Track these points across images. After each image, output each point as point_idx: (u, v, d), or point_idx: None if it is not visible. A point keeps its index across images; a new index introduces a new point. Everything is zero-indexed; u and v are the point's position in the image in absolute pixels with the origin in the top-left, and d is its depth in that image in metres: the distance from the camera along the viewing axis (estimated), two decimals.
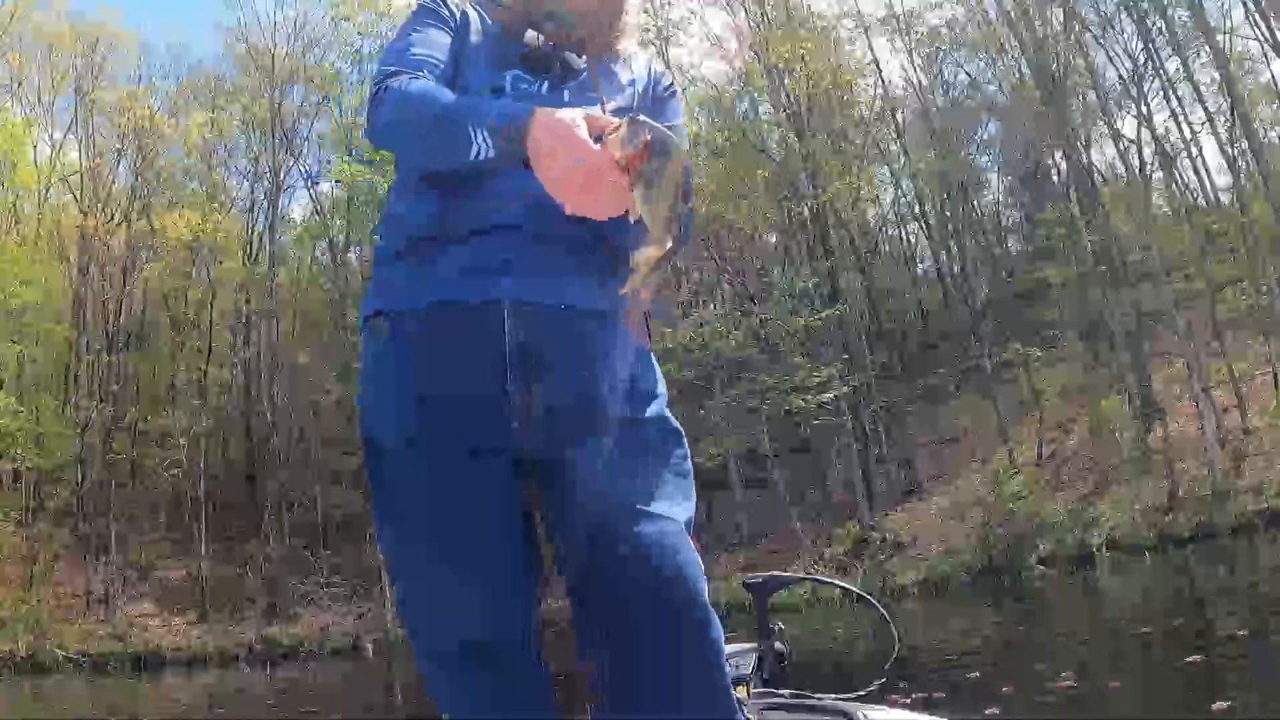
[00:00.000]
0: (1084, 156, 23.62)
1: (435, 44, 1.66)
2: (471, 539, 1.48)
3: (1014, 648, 7.32)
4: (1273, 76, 24.45)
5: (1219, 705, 3.80)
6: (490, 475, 1.49)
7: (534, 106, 1.36)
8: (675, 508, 1.51)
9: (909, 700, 4.57)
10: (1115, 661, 5.41)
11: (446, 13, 1.72)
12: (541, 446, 1.50)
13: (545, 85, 1.64)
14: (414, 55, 1.62)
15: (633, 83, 1.74)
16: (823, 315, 22.13)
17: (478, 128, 1.37)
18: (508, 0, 1.74)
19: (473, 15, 1.74)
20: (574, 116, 1.32)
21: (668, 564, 1.44)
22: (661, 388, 1.61)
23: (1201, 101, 22.07)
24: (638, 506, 1.47)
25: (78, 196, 30.56)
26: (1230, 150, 21.91)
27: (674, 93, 1.83)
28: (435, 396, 1.49)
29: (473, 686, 1.51)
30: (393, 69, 1.58)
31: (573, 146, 1.29)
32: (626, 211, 1.33)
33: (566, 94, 1.64)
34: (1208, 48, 21.86)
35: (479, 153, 1.37)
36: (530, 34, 1.65)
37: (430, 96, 1.48)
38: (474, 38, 1.70)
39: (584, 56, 1.68)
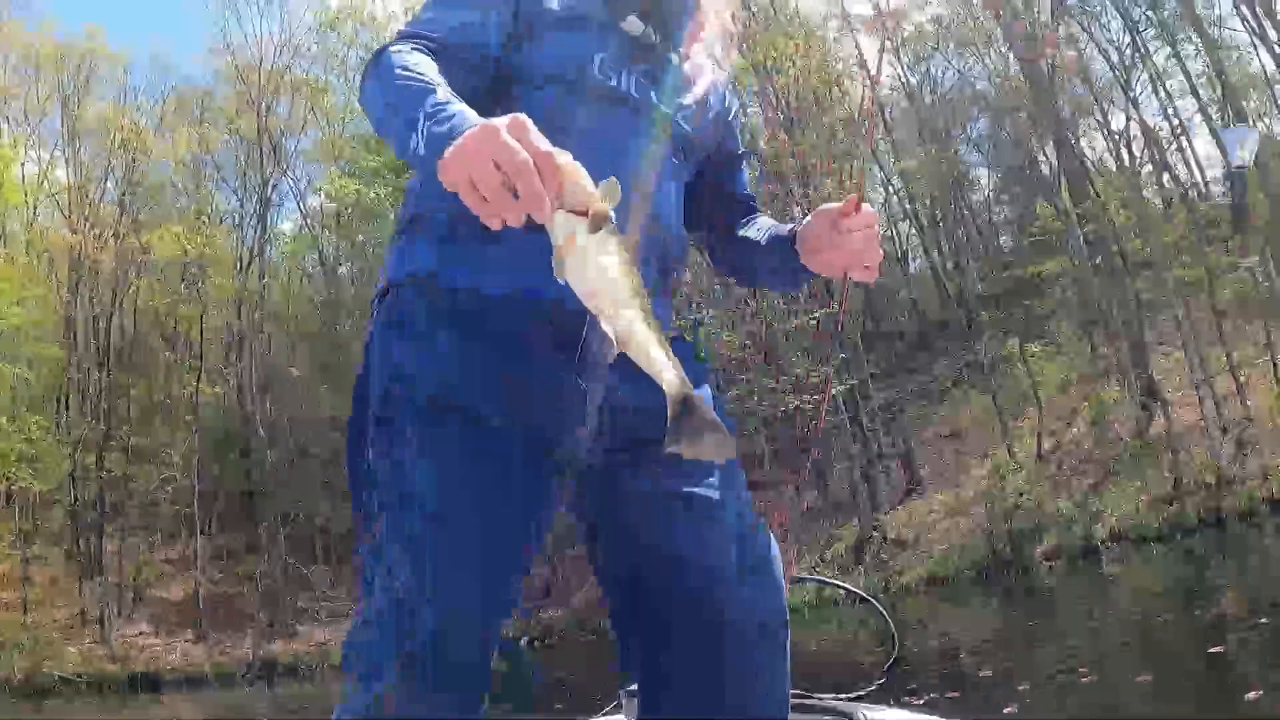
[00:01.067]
0: (1075, 147, 23.53)
1: (475, 6, 1.49)
2: (508, 526, 1.37)
3: (1027, 643, 7.15)
4: (1261, 66, 24.37)
5: (1251, 696, 3.64)
6: (545, 468, 1.40)
7: (477, 119, 1.16)
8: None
9: (921, 701, 4.41)
10: (1137, 654, 5.24)
11: None
12: (604, 449, 1.46)
13: (634, 80, 1.51)
14: (440, 19, 1.47)
15: (709, 99, 1.64)
16: (818, 315, 22.00)
17: (425, 119, 1.22)
18: None
19: None
20: (516, 128, 1.10)
21: (762, 571, 1.47)
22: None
23: (1194, 91, 22.01)
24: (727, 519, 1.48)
25: (66, 214, 30.39)
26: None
27: (739, 119, 1.78)
28: (500, 375, 1.40)
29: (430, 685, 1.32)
30: (408, 31, 1.45)
31: (491, 127, 1.10)
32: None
33: (654, 94, 1.52)
34: (1197, 37, 21.80)
35: (416, 149, 1.22)
36: (634, 20, 1.51)
37: (403, 77, 1.31)
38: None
39: (681, 51, 1.58)
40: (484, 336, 1.40)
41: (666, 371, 1.14)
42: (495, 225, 1.10)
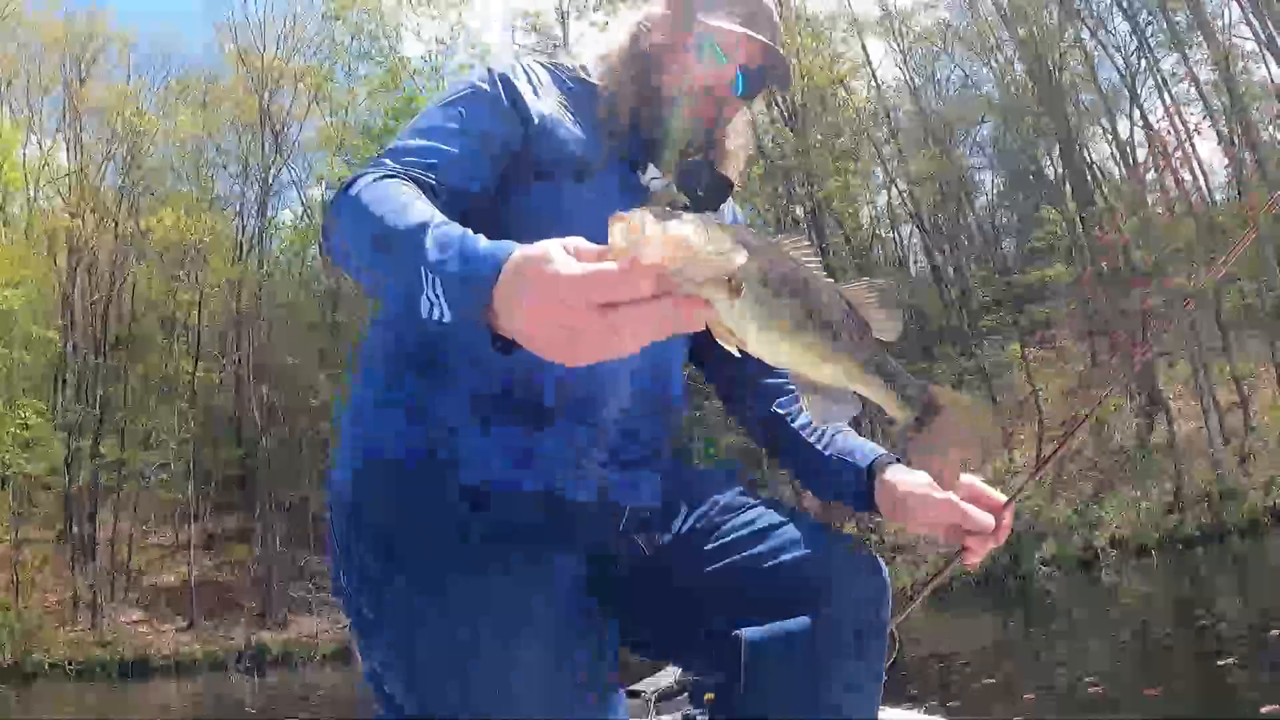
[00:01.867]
0: (1081, 154, 23.41)
1: (471, 139, 1.32)
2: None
3: (1029, 652, 7.01)
4: (1269, 73, 24.25)
5: (1269, 709, 3.51)
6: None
7: (507, 251, 0.92)
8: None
9: (922, 710, 4.29)
10: (1144, 666, 5.10)
11: (521, 97, 1.40)
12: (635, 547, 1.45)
13: None
14: (424, 149, 1.29)
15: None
16: None
17: (431, 273, 0.97)
18: (611, 86, 1.45)
19: (560, 110, 1.42)
20: (555, 248, 0.88)
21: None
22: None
23: (1203, 98, 21.87)
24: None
25: (66, 197, 30.24)
26: (1233, 142, 21.68)
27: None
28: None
29: None
30: (382, 161, 1.25)
31: (551, 290, 0.86)
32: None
33: None
34: (1205, 45, 21.66)
35: (433, 313, 0.97)
36: (656, 179, 1.42)
37: (386, 209, 1.09)
38: (567, 140, 1.39)
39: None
40: (497, 525, 1.28)
41: (889, 408, 1.03)
42: (635, 349, 0.86)
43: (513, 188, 1.34)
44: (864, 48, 31.42)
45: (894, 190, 33.04)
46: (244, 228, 32.38)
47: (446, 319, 0.96)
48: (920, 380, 1.05)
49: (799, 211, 24.87)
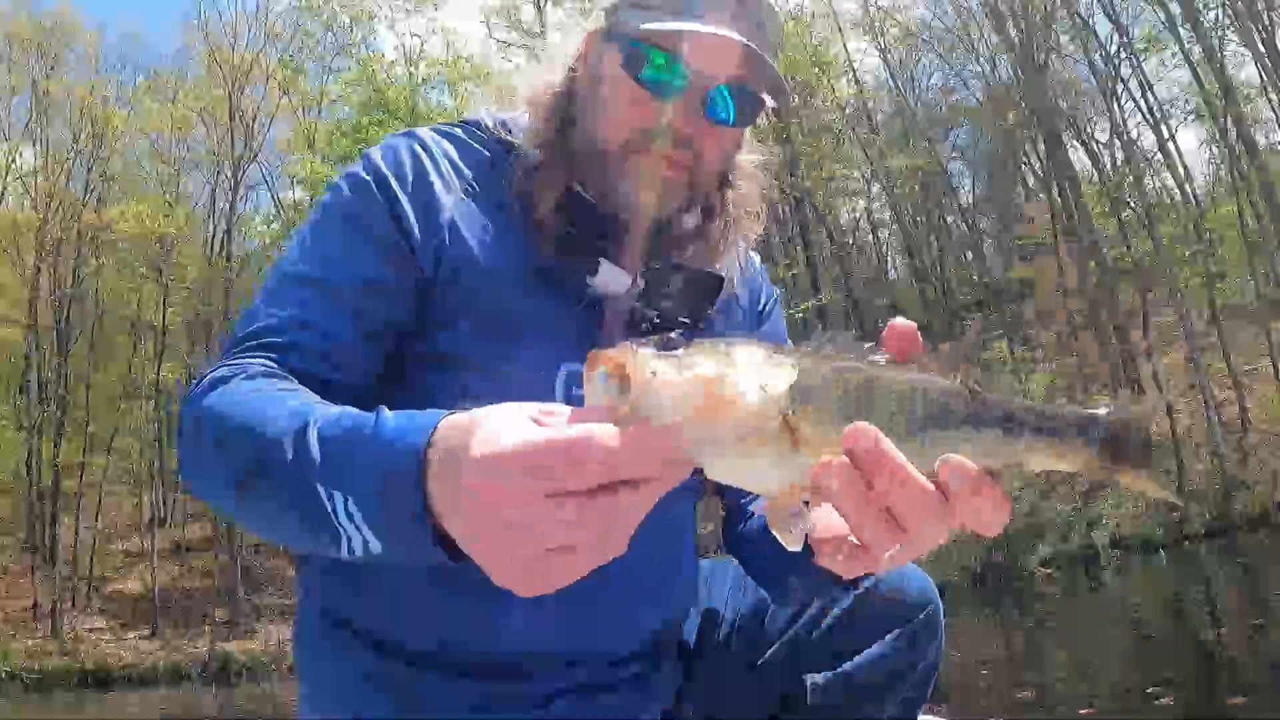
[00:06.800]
0: (1087, 140, 23.29)
1: (345, 283, 1.02)
2: None
3: (1060, 658, 6.44)
4: (1260, 73, 24.15)
5: None
6: None
7: (434, 425, 0.67)
8: None
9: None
10: (1209, 671, 4.53)
11: (401, 204, 1.05)
12: None
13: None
14: (287, 316, 0.99)
15: (730, 308, 1.23)
16: (804, 306, 21.69)
17: (336, 491, 0.72)
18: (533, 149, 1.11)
19: (466, 209, 1.07)
20: (500, 411, 0.62)
21: None
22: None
23: (1201, 87, 21.73)
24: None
25: (32, 194, 29.56)
26: (1232, 137, 21.53)
27: (776, 301, 1.40)
28: None
29: None
30: (237, 345, 0.99)
31: (501, 471, 0.58)
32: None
33: None
34: (1192, 43, 21.56)
35: (351, 548, 0.72)
36: (608, 273, 1.04)
37: (245, 425, 0.83)
38: (479, 258, 1.03)
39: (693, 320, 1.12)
40: None
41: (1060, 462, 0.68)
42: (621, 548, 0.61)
43: (428, 332, 1.02)
44: (845, 47, 31.26)
45: (874, 190, 33.01)
46: (214, 225, 31.73)
47: (375, 550, 0.70)
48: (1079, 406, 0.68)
49: (780, 211, 24.59)
